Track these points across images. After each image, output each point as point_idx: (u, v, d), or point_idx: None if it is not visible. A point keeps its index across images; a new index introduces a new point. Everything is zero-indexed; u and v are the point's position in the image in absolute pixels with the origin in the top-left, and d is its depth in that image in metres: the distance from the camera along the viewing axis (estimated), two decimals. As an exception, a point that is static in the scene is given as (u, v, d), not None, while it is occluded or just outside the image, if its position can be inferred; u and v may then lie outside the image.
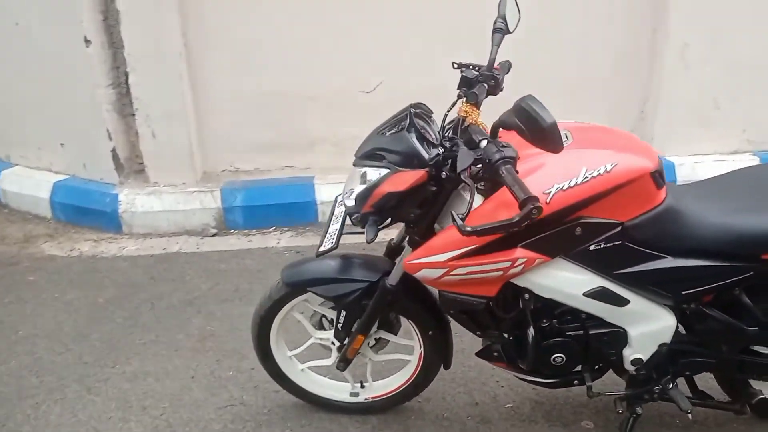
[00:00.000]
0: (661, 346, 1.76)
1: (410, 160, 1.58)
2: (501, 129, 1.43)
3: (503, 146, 1.37)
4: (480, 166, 1.47)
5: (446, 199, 1.64)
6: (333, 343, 2.04)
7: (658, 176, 1.60)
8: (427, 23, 3.61)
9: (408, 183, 1.58)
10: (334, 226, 1.84)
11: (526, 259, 1.59)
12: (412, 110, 1.67)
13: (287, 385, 2.16)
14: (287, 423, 2.16)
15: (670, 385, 1.80)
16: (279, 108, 3.79)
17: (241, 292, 3.00)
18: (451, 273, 1.63)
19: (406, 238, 1.77)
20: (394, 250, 1.93)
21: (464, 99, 1.71)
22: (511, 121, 1.30)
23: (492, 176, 1.38)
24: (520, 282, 1.68)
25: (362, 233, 1.83)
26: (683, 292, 1.68)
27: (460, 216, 1.35)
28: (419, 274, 1.68)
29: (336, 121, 3.83)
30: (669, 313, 1.73)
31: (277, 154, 3.93)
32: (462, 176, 1.38)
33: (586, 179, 1.53)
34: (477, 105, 1.70)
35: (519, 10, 1.84)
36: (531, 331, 1.73)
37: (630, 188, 1.56)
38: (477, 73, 1.76)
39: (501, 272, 1.61)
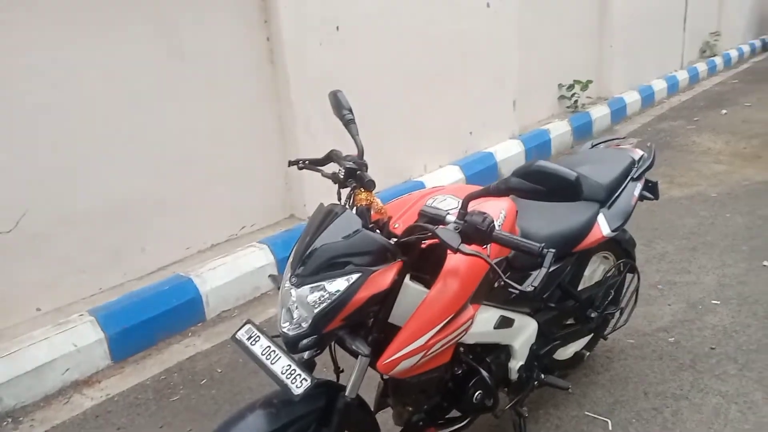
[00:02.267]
0: (531, 347, 2.14)
1: (382, 255, 1.52)
2: (475, 200, 1.53)
3: (482, 214, 1.49)
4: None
5: (400, 287, 1.62)
6: None
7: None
8: (67, 134, 3.15)
9: (390, 279, 1.51)
10: (281, 364, 1.53)
11: (474, 312, 1.73)
12: (342, 211, 1.58)
13: None
14: None
15: (543, 377, 2.20)
16: None
17: None
18: (429, 352, 1.63)
19: (359, 342, 1.65)
20: (308, 366, 1.74)
21: (360, 188, 1.72)
22: (523, 187, 1.43)
23: (483, 242, 1.48)
24: (454, 339, 1.79)
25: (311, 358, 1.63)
26: (544, 296, 2.10)
27: (507, 277, 1.42)
28: (396, 369, 1.61)
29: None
30: (532, 319, 2.13)
31: None
32: (463, 250, 1.43)
33: (499, 227, 1.77)
34: (372, 191, 1.73)
35: None
36: (485, 374, 1.86)
37: (512, 224, 1.88)
38: (353, 164, 1.79)
39: (463, 332, 1.70)
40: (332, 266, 1.51)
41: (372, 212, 1.73)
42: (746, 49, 12.06)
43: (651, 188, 2.55)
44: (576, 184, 1.40)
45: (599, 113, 7.15)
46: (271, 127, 4.11)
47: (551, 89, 7.03)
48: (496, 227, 1.48)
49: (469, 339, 1.85)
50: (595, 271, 2.55)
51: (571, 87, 6.99)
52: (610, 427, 2.36)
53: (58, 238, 3.19)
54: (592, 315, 2.35)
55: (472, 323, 1.72)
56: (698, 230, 4.09)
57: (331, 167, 1.94)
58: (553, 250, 1.44)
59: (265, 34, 3.96)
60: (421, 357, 1.62)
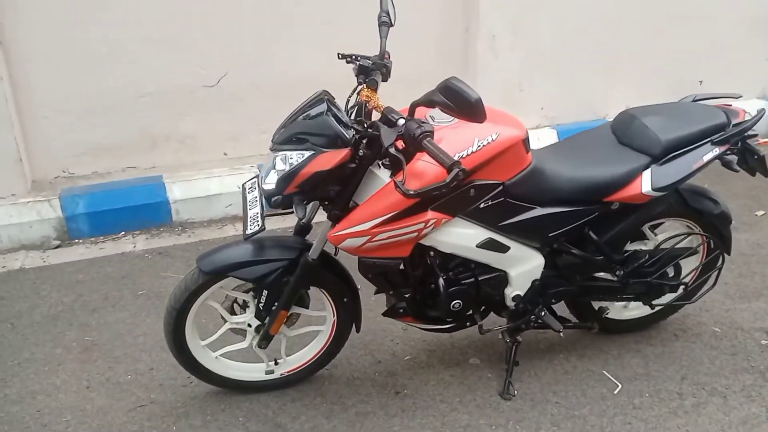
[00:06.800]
0: (534, 282, 2.15)
1: (334, 140, 1.76)
2: (420, 107, 1.67)
3: (422, 122, 1.61)
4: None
5: (362, 175, 1.84)
6: (249, 326, 2.13)
7: (527, 142, 1.98)
8: (273, 14, 3.72)
9: (334, 161, 1.75)
10: (254, 210, 1.94)
11: (435, 220, 1.86)
12: (325, 97, 1.84)
13: (203, 375, 2.20)
14: (206, 411, 2.20)
15: (543, 313, 2.21)
16: (114, 107, 3.63)
17: (112, 300, 2.89)
18: (374, 239, 1.84)
19: (325, 214, 1.94)
20: (303, 229, 2.08)
21: (365, 85, 1.93)
22: (438, 99, 1.54)
23: (415, 148, 1.62)
24: (426, 242, 1.95)
25: (281, 214, 1.98)
26: (549, 235, 2.08)
27: (401, 181, 1.58)
28: (343, 244, 1.87)
29: (179, 118, 3.79)
30: (538, 254, 2.13)
31: (117, 155, 3.77)
32: (390, 150, 1.60)
33: (479, 147, 1.84)
34: (376, 90, 1.92)
35: (394, 6, 2.10)
36: (441, 282, 2.01)
37: (509, 153, 1.91)
38: (370, 62, 1.98)
39: (416, 233, 1.86)
40: (298, 141, 1.79)
41: (371, 109, 1.92)
42: None
43: (757, 161, 2.19)
44: (475, 105, 1.44)
45: None
46: (458, 38, 4.23)
47: None
48: (429, 137, 1.59)
49: (442, 247, 1.98)
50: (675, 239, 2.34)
51: None
52: (616, 392, 2.27)
53: (249, 100, 3.89)
54: (617, 272, 2.21)
55: (427, 227, 1.85)
56: None
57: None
58: (462, 168, 1.51)
59: (469, -58, 4.02)
60: (366, 240, 1.84)
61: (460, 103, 1.49)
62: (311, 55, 3.90)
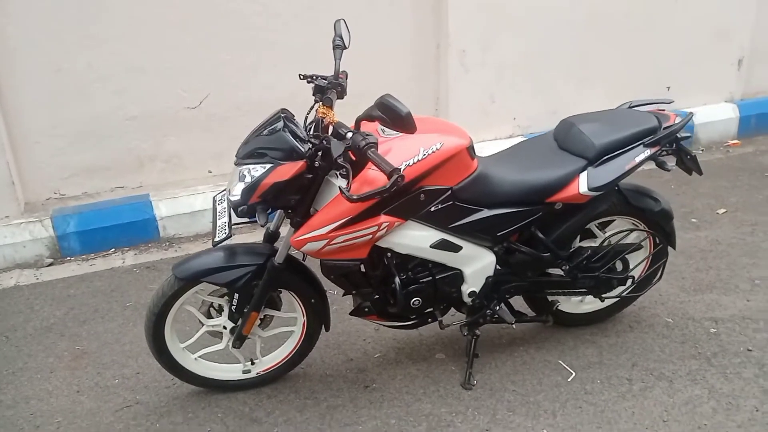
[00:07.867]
0: (487, 278, 2.32)
1: (290, 154, 1.94)
2: (364, 121, 1.86)
3: (366, 135, 1.79)
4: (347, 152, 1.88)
5: (319, 184, 2.02)
6: (224, 328, 2.30)
7: (472, 150, 2.16)
8: (253, 39, 3.94)
9: (290, 173, 1.93)
10: (222, 220, 2.12)
11: (388, 223, 2.04)
12: (282, 114, 2.02)
13: (183, 376, 2.36)
14: (188, 409, 2.36)
15: (498, 308, 2.38)
16: (102, 131, 3.82)
17: (101, 312, 3.06)
18: (332, 242, 2.01)
19: (289, 222, 2.12)
20: (272, 236, 2.25)
21: (321, 103, 2.11)
22: (375, 114, 1.73)
23: (360, 158, 1.80)
24: (383, 244, 2.12)
25: (247, 223, 2.15)
26: (498, 234, 2.26)
27: (347, 188, 1.76)
28: (305, 248, 2.04)
29: (164, 139, 3.98)
30: (489, 252, 2.30)
31: (106, 176, 3.95)
32: (339, 161, 1.78)
33: (424, 156, 2.02)
34: (331, 107, 2.11)
35: (349, 30, 2.29)
36: (397, 281, 2.18)
37: (454, 160, 2.09)
38: (326, 81, 2.17)
39: (370, 236, 2.04)
40: (259, 155, 1.97)
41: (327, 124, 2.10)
42: None
43: (690, 160, 2.38)
44: (405, 118, 1.62)
45: None
46: (430, 54, 4.42)
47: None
48: (373, 148, 1.76)
49: (398, 248, 2.15)
50: (619, 236, 2.51)
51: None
52: (570, 379, 2.43)
53: (231, 120, 4.07)
54: (564, 268, 2.38)
55: (381, 231, 2.02)
56: None
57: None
58: (401, 174, 1.68)
59: (434, -37, 4.23)
60: (325, 244, 2.01)
61: (392, 116, 1.68)
62: (290, 76, 4.06)
